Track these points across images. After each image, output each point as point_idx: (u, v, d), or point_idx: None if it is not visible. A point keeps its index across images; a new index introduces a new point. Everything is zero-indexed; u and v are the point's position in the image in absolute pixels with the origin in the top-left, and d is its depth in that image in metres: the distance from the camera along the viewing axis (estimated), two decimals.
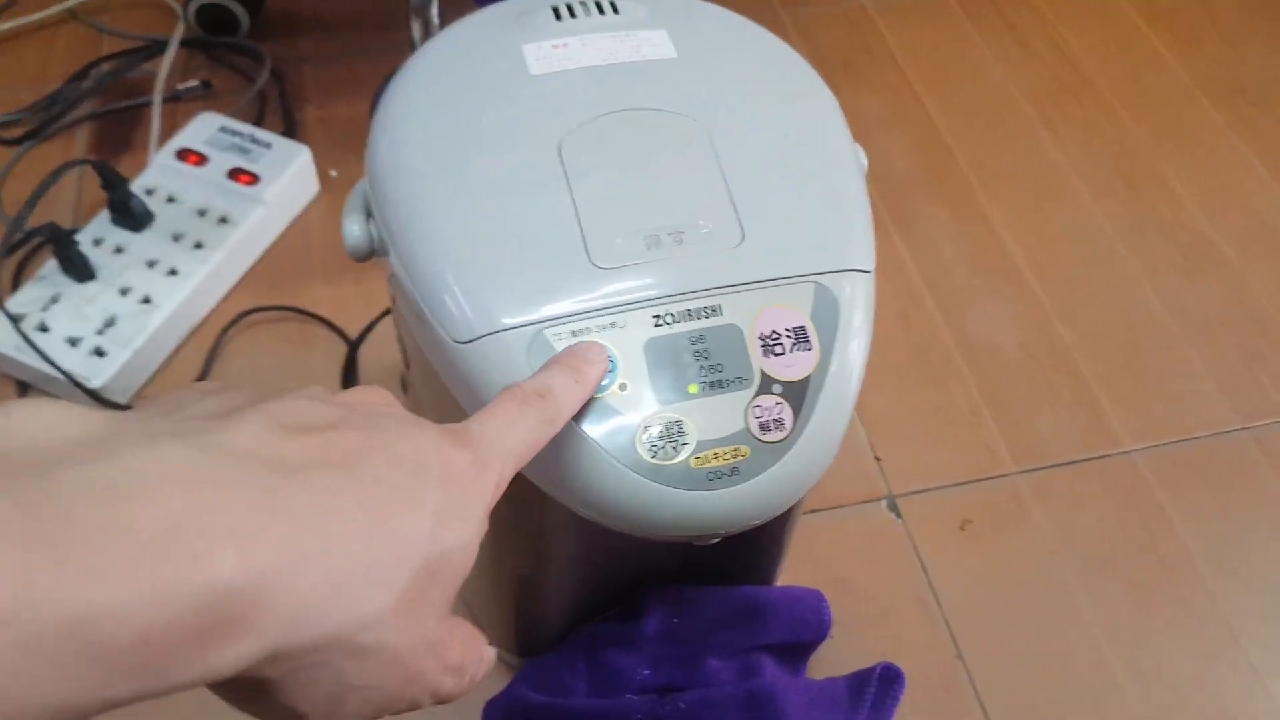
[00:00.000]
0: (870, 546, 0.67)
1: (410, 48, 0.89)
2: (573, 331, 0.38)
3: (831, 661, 0.60)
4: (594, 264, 0.39)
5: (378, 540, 0.24)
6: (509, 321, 0.38)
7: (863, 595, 0.65)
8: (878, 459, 0.72)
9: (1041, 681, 0.62)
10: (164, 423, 0.25)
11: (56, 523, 0.19)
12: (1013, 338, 0.80)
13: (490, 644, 0.32)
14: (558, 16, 0.47)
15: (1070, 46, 1.04)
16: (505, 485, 0.30)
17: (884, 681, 0.53)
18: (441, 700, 0.29)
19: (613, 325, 0.38)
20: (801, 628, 0.56)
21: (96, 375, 0.69)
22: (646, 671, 0.53)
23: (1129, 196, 0.90)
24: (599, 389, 0.37)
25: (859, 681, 0.54)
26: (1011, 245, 0.86)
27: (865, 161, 0.47)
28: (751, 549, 0.54)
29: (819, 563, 0.66)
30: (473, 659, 0.30)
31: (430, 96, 0.44)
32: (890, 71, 1.00)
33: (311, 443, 0.25)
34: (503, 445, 0.30)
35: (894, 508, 0.69)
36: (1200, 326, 0.81)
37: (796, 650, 0.57)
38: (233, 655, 0.21)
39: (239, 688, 0.24)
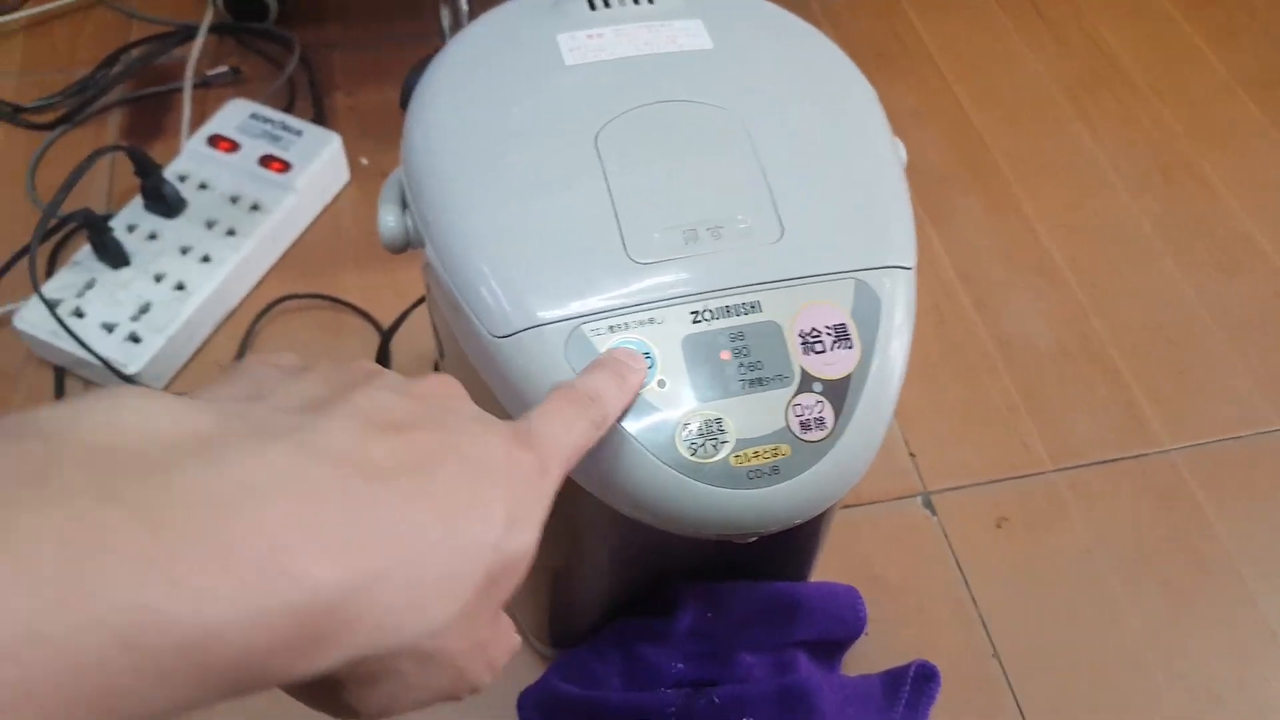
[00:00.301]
0: (905, 543, 0.67)
1: (439, 35, 0.88)
2: (610, 327, 0.38)
3: (866, 658, 0.60)
4: (631, 259, 0.39)
5: (450, 551, 0.25)
6: (547, 316, 0.38)
7: (897, 592, 0.64)
8: (912, 455, 0.71)
9: (1077, 681, 0.62)
10: (261, 415, 0.25)
11: (171, 539, 0.20)
12: (1048, 334, 0.78)
13: (518, 631, 0.32)
14: (592, 6, 0.47)
15: (1105, 39, 1.02)
16: (558, 487, 0.30)
17: (919, 680, 0.53)
18: (474, 692, 0.30)
19: (651, 321, 0.38)
20: (836, 624, 0.55)
21: (132, 361, 0.70)
22: (680, 666, 0.52)
23: (1167, 192, 0.89)
24: None
25: (894, 679, 0.53)
26: (1047, 240, 0.85)
27: (905, 155, 0.46)
28: (787, 546, 0.54)
29: (853, 559, 0.65)
30: (507, 650, 0.31)
31: (465, 87, 0.44)
32: (923, 63, 0.99)
33: (395, 445, 0.25)
34: (560, 447, 0.30)
35: (929, 504, 0.69)
36: (1239, 325, 0.80)
37: (831, 647, 0.56)
38: (318, 664, 0.22)
39: (304, 684, 0.25)
